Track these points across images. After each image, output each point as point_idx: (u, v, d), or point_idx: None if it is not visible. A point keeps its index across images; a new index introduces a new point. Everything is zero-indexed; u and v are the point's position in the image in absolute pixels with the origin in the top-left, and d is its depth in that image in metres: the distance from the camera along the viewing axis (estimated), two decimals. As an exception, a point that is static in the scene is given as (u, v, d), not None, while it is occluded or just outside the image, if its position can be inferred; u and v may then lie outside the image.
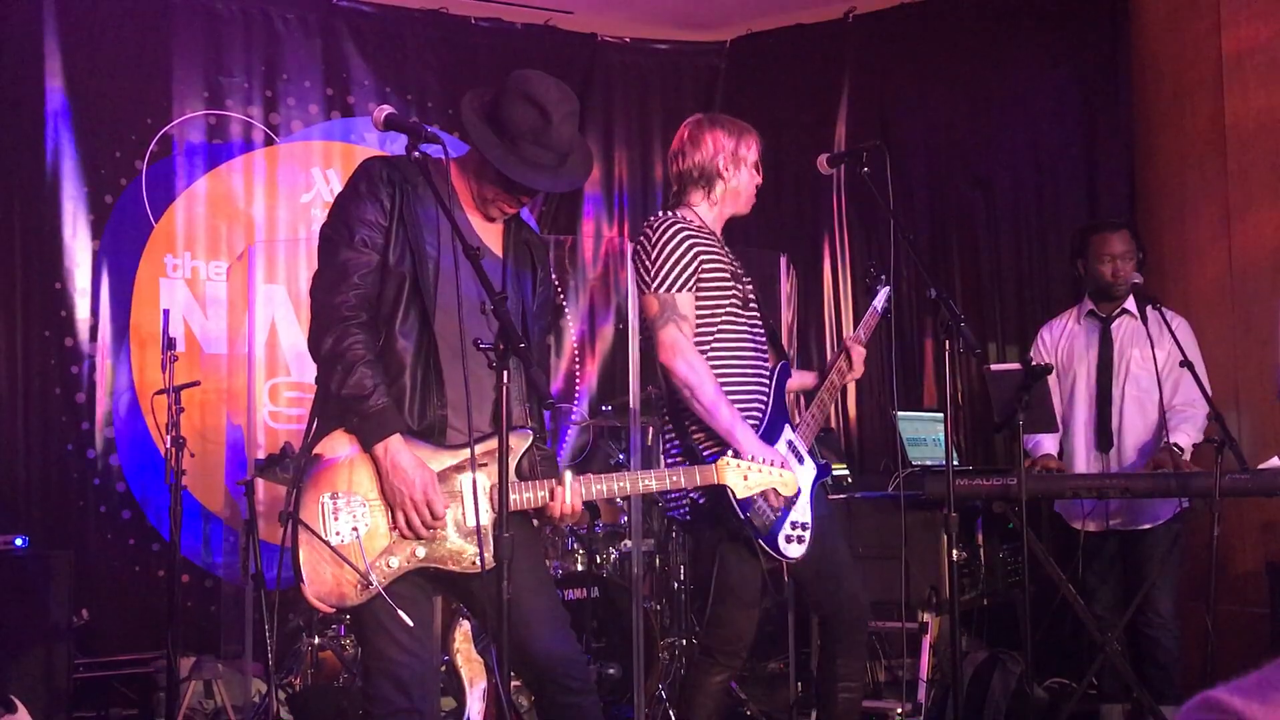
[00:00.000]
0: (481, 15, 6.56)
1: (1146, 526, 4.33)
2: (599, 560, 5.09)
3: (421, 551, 2.58)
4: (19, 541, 4.57)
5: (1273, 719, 0.89)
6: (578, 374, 6.64)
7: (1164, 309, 4.27)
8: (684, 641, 5.06)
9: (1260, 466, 3.97)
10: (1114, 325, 4.47)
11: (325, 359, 2.58)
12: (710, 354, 3.32)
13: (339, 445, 2.58)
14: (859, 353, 3.54)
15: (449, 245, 2.59)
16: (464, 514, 2.60)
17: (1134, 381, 4.40)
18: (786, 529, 3.26)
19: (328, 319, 2.58)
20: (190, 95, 5.89)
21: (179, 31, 5.86)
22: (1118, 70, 5.77)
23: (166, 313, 5.02)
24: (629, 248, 3.59)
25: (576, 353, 6.66)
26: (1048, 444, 4.48)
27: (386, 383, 2.57)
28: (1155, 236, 5.22)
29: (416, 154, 2.56)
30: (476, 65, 6.43)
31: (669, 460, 3.42)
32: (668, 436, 3.44)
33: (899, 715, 4.42)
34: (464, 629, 4.27)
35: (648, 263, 3.30)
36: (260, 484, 4.67)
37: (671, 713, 4.44)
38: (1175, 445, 4.14)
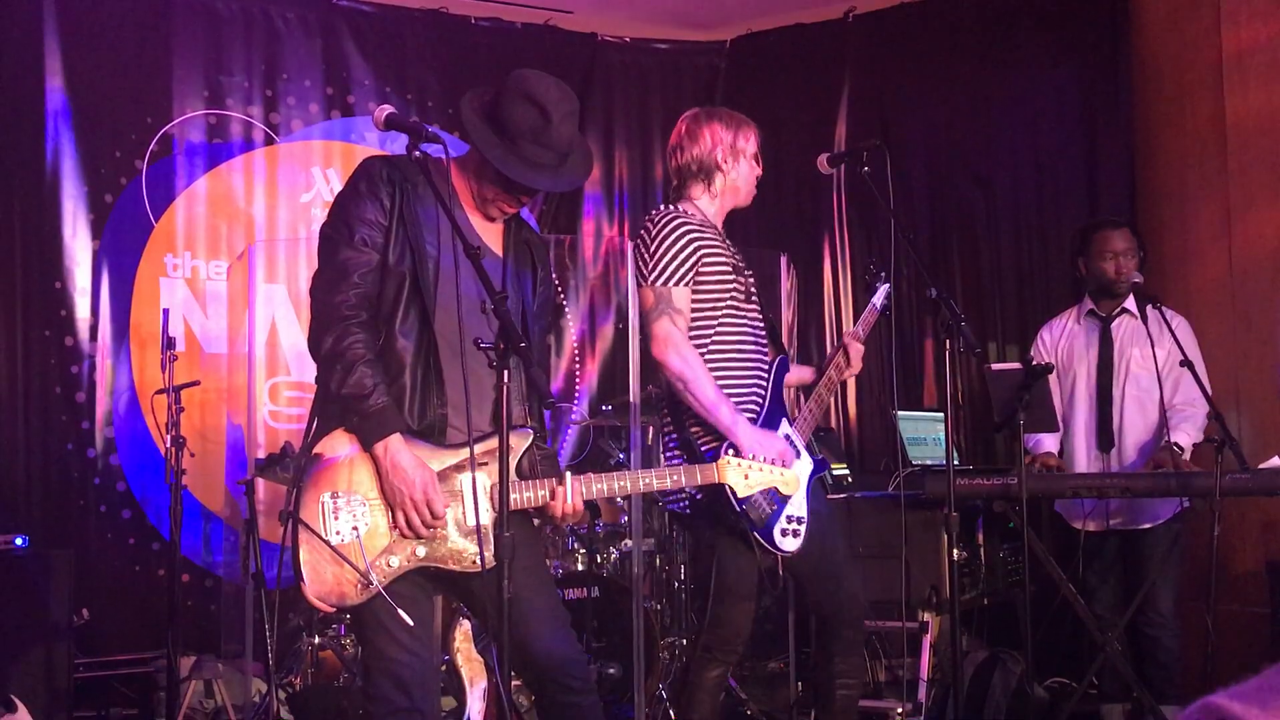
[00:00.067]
0: (481, 15, 6.55)
1: (1147, 526, 4.33)
2: (599, 560, 5.09)
3: (422, 551, 2.58)
4: (19, 541, 4.56)
5: None
6: (578, 373, 6.64)
7: (1164, 308, 4.27)
8: (684, 641, 5.06)
9: (1260, 466, 3.97)
10: (1114, 325, 4.47)
11: (325, 358, 2.58)
12: (711, 347, 3.33)
13: (339, 444, 2.58)
14: (857, 349, 3.55)
15: (449, 244, 2.59)
16: (464, 513, 2.60)
17: (1134, 381, 4.39)
18: (782, 522, 3.27)
19: (328, 318, 2.58)
20: (190, 94, 5.89)
21: (179, 31, 5.86)
22: (1118, 70, 5.77)
23: (166, 312, 5.02)
24: (629, 247, 3.59)
25: (576, 352, 6.66)
26: (1048, 443, 4.48)
27: (386, 382, 2.57)
28: (1155, 236, 5.22)
29: (417, 153, 2.56)
30: (476, 65, 6.42)
31: (667, 453, 3.44)
32: (666, 430, 3.45)
33: (899, 715, 4.42)
34: (464, 628, 4.27)
35: (647, 255, 3.31)
36: (260, 483, 4.67)
37: (671, 712, 4.44)
38: (1175, 444, 4.14)
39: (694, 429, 3.32)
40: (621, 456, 5.42)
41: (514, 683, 3.59)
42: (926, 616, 4.45)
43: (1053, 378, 4.42)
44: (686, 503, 3.34)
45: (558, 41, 6.72)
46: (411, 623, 2.57)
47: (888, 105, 6.52)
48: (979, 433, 6.07)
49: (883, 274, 3.71)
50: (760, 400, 3.38)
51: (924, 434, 5.22)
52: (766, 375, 3.42)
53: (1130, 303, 4.44)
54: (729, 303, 3.36)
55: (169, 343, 4.66)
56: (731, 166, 3.43)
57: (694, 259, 3.29)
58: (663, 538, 5.37)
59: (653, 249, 3.30)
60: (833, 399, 6.20)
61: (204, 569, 5.70)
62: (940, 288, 3.17)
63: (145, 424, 5.52)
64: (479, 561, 2.56)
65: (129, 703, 5.12)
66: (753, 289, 3.45)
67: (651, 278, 3.29)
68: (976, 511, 4.57)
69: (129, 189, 5.73)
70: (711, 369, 3.29)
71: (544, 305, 2.92)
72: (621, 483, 2.76)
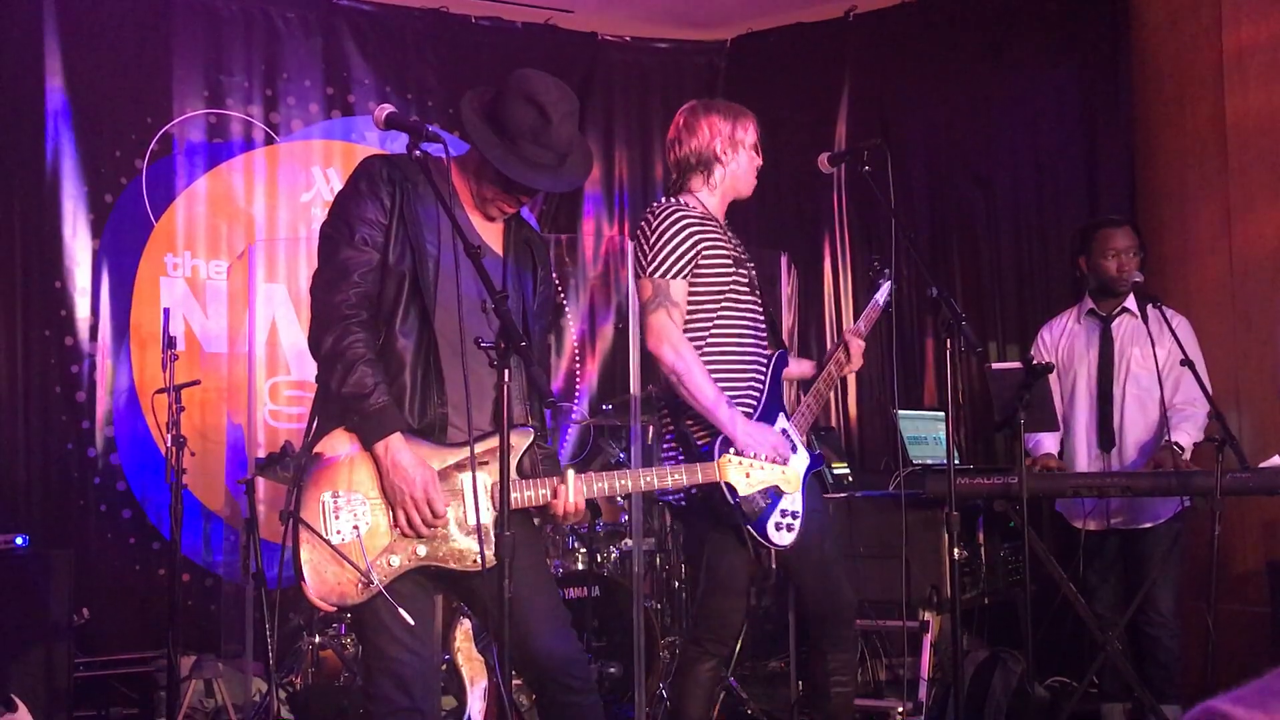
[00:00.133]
0: (482, 14, 6.55)
1: (1147, 525, 4.33)
2: (600, 559, 5.09)
3: (422, 550, 2.58)
4: (19, 540, 4.57)
5: None
6: (578, 373, 6.64)
7: (1164, 307, 4.27)
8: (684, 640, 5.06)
9: (1261, 465, 3.97)
10: (1114, 324, 4.47)
11: (325, 357, 2.58)
12: (709, 339, 3.33)
13: (339, 444, 2.58)
14: (858, 345, 3.54)
15: (449, 243, 2.58)
16: (465, 512, 2.60)
17: (1135, 380, 4.39)
18: (776, 516, 3.26)
19: (328, 317, 2.58)
20: (190, 94, 5.89)
21: (179, 30, 5.86)
22: (1118, 69, 5.77)
23: (167, 311, 5.02)
24: (630, 246, 3.59)
25: (577, 352, 6.66)
26: (1048, 443, 4.48)
27: (387, 381, 2.57)
28: (1156, 235, 5.22)
29: (417, 153, 2.56)
30: (477, 64, 6.42)
31: (664, 446, 3.44)
32: (664, 423, 3.45)
33: (900, 714, 4.43)
34: (465, 628, 4.27)
35: (645, 248, 3.31)
36: (261, 483, 4.66)
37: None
38: (1176, 444, 4.14)
39: (689, 423, 3.32)
40: (622, 455, 5.42)
41: (514, 682, 3.59)
42: (927, 616, 4.44)
43: (1053, 377, 4.42)
44: (682, 495, 3.35)
45: (558, 41, 6.72)
46: (412, 622, 2.56)
47: (888, 105, 6.52)
48: (979, 432, 6.07)
49: (886, 271, 3.70)
50: (757, 394, 3.37)
51: (924, 433, 5.22)
52: (764, 369, 3.42)
53: (1131, 302, 4.44)
54: (728, 296, 3.35)
55: (169, 342, 4.66)
56: (731, 158, 3.42)
57: (693, 252, 3.29)
58: (663, 537, 5.37)
59: (651, 241, 3.30)
60: (833, 398, 6.21)
61: (204, 568, 5.70)
62: (941, 287, 3.17)
63: (145, 423, 5.52)
64: (480, 560, 2.56)
65: (129, 702, 5.12)
66: (755, 281, 3.45)
67: (649, 270, 3.29)
68: (977, 511, 4.56)
69: (129, 189, 5.73)
70: (708, 362, 3.29)
71: (544, 304, 2.92)
72: (623, 481, 2.76)
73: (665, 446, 3.43)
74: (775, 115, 6.35)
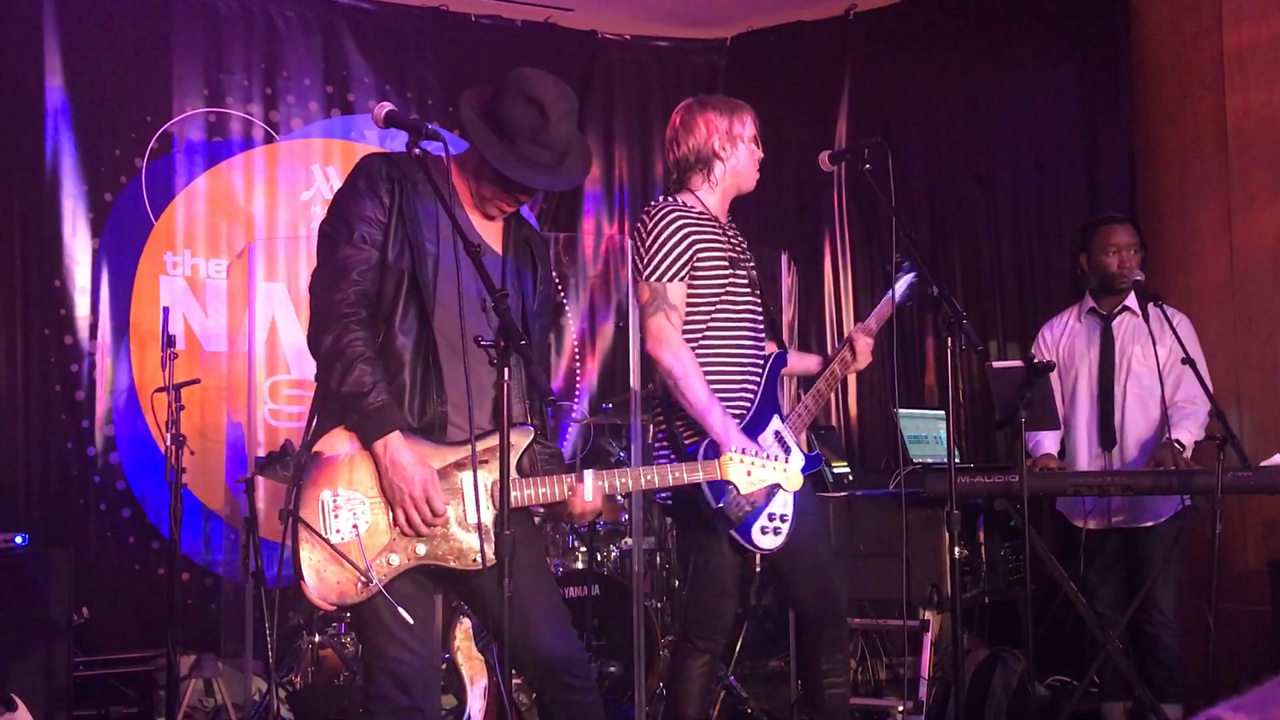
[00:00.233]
0: (481, 12, 6.55)
1: (1148, 524, 4.33)
2: (600, 558, 5.09)
3: (422, 549, 2.57)
4: (19, 539, 4.56)
5: None
6: (578, 372, 6.64)
7: (1165, 306, 4.27)
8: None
9: (1262, 464, 3.97)
10: (1115, 323, 4.47)
11: (325, 356, 2.58)
12: (705, 340, 3.32)
13: (339, 443, 2.58)
14: (865, 343, 3.51)
15: (449, 242, 2.58)
16: (465, 511, 2.60)
17: (1136, 379, 4.39)
18: (763, 520, 3.25)
19: (327, 316, 2.58)
20: (190, 93, 5.88)
21: (179, 29, 5.85)
22: (1118, 68, 5.76)
23: (166, 310, 5.02)
24: (629, 245, 3.58)
25: (577, 351, 6.66)
26: (1049, 443, 4.47)
27: (386, 380, 2.57)
28: (1156, 234, 5.21)
29: (416, 151, 2.55)
30: (476, 62, 6.42)
31: (656, 445, 3.45)
32: (657, 422, 3.45)
33: (900, 713, 4.42)
34: (465, 627, 4.27)
35: (643, 250, 3.31)
36: (260, 482, 4.66)
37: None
38: (1177, 442, 4.13)
39: (678, 424, 3.32)
40: (622, 454, 5.42)
41: (514, 681, 3.58)
42: (927, 615, 4.44)
43: (1054, 376, 4.41)
44: (669, 493, 3.34)
45: (558, 39, 6.72)
46: (412, 621, 2.56)
47: (888, 103, 6.51)
48: (980, 431, 6.07)
49: (907, 264, 3.68)
50: (751, 397, 3.36)
51: (925, 432, 5.22)
52: (760, 371, 3.41)
53: (1131, 300, 4.43)
54: (725, 297, 3.34)
55: (169, 341, 4.66)
56: (730, 153, 3.40)
57: (689, 254, 3.28)
58: (663, 536, 5.37)
59: (648, 244, 3.29)
60: (833, 396, 6.20)
61: (204, 567, 5.70)
62: (941, 285, 3.16)
63: (145, 422, 5.52)
64: (479, 559, 2.55)
65: (129, 701, 5.12)
66: (754, 280, 3.44)
67: (647, 273, 3.28)
68: (978, 510, 4.56)
69: (129, 187, 5.72)
70: (703, 363, 3.28)
71: (544, 303, 2.91)
72: (624, 480, 2.75)
73: (657, 445, 3.44)
74: (775, 113, 6.36)
